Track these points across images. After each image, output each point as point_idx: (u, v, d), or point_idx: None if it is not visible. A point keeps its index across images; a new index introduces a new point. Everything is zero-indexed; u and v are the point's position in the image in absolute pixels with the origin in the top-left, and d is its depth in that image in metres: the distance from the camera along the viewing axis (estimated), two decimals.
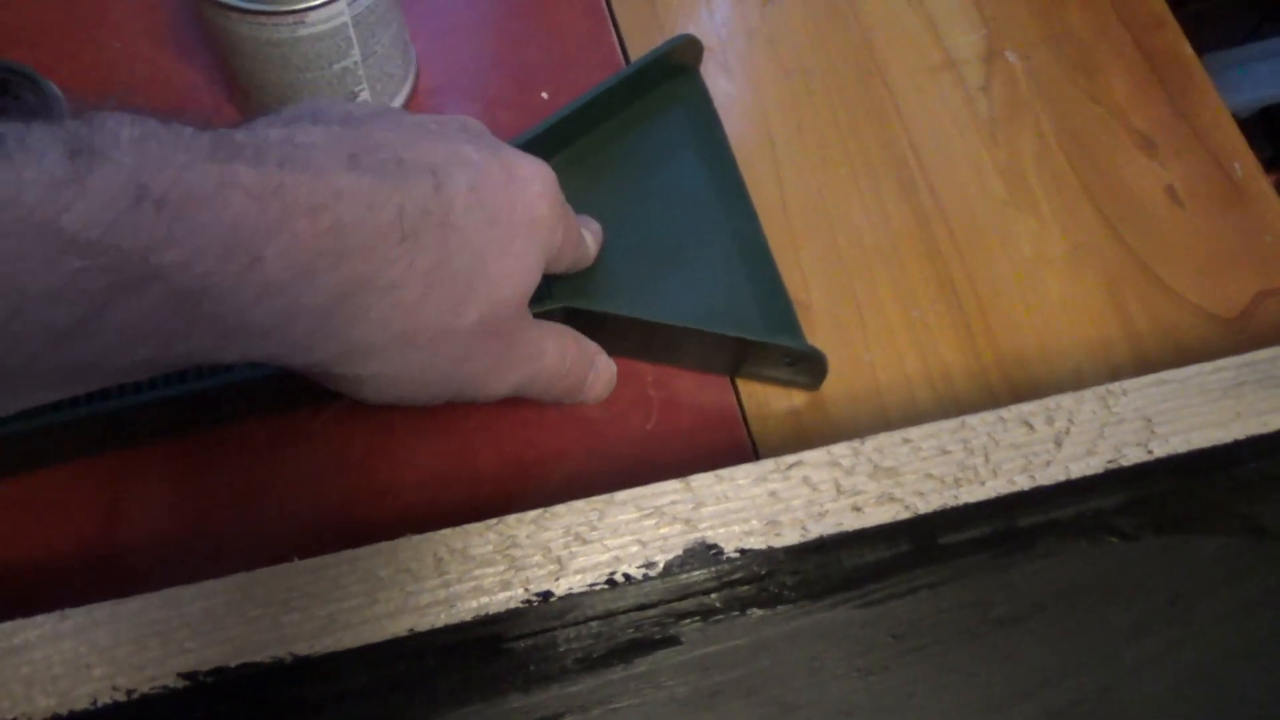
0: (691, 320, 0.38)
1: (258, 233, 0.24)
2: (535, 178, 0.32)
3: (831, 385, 0.41)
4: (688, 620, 0.33)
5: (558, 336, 0.35)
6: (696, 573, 0.32)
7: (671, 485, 0.30)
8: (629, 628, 0.33)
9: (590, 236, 0.38)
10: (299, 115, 0.29)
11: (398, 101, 0.44)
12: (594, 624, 0.33)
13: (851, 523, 0.30)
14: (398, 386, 0.30)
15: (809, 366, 0.39)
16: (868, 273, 0.44)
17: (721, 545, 0.30)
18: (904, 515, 0.30)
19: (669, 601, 0.33)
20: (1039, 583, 0.35)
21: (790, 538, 0.30)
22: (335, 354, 0.28)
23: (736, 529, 0.30)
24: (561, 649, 0.33)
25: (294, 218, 0.25)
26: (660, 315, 0.38)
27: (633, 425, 0.40)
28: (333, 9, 0.37)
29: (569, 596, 0.29)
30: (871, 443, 0.31)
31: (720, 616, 0.33)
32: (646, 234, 0.42)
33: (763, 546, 0.30)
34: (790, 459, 0.31)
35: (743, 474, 0.31)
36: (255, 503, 0.37)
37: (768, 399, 0.41)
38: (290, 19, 0.36)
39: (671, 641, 0.33)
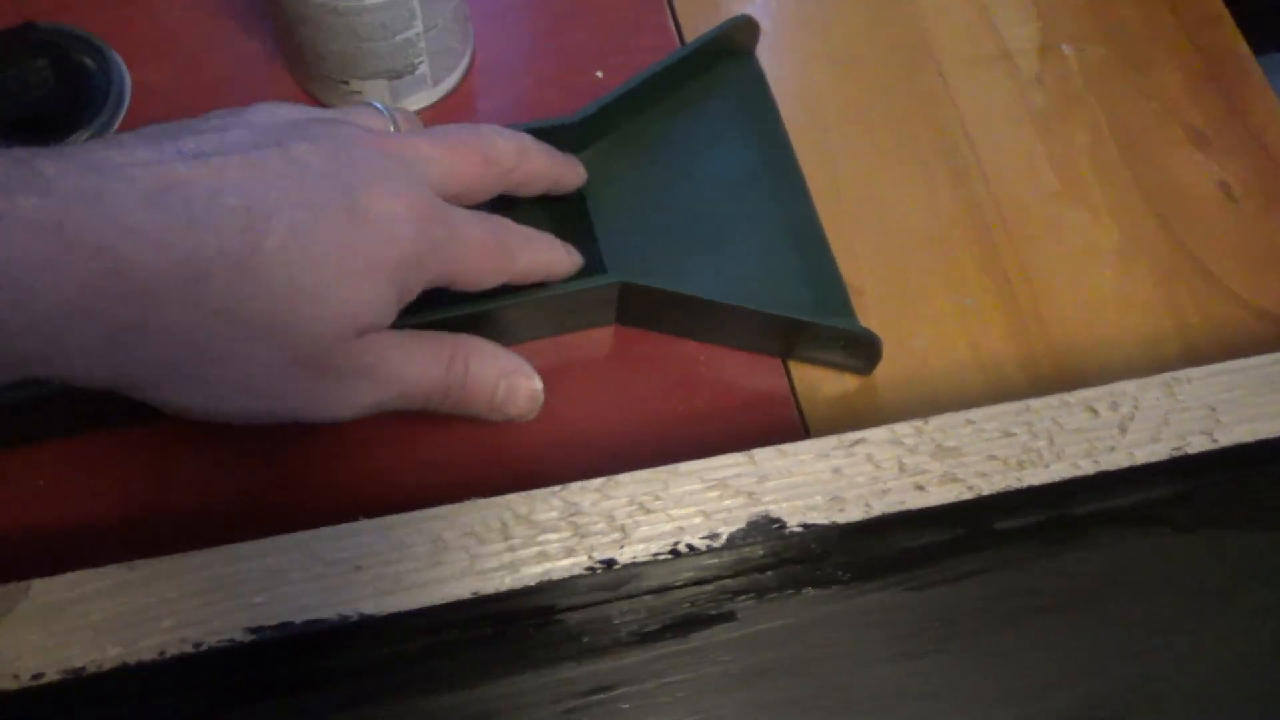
0: (747, 300, 0.38)
1: (30, 268, 0.24)
2: (393, 219, 0.30)
3: (883, 370, 0.40)
4: (742, 597, 0.33)
5: (426, 357, 0.33)
6: (752, 549, 0.32)
7: (735, 458, 0.30)
8: (684, 602, 0.33)
9: (541, 248, 0.37)
10: (158, 135, 0.28)
11: (454, 77, 0.44)
12: (648, 598, 0.33)
13: (914, 501, 0.30)
14: (205, 413, 0.30)
15: (863, 350, 0.39)
16: (920, 260, 0.44)
17: (785, 519, 0.30)
18: (966, 496, 0.30)
19: (724, 578, 0.33)
20: (1088, 571, 0.35)
21: (853, 514, 0.30)
22: (119, 383, 0.28)
23: (799, 503, 0.30)
24: (615, 621, 0.33)
25: (72, 255, 0.25)
26: (716, 294, 0.38)
27: (683, 403, 0.40)
28: None
29: (630, 566, 0.29)
30: (935, 422, 0.31)
31: (774, 595, 0.33)
32: (701, 215, 0.42)
33: (826, 521, 0.30)
34: (853, 436, 0.31)
35: (806, 449, 0.31)
36: (300, 470, 0.37)
37: (819, 382, 0.41)
38: None
39: (727, 617, 0.33)
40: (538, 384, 0.36)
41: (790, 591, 0.34)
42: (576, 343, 0.41)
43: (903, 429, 0.31)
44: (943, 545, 0.35)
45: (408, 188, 0.31)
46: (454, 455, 0.38)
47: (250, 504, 0.36)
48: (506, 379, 0.36)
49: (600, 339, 0.41)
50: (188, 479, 0.37)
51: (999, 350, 0.42)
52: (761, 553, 0.33)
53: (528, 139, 0.37)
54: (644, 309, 0.40)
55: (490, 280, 0.35)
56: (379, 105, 0.36)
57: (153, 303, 0.26)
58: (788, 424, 0.40)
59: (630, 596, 0.33)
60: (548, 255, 0.37)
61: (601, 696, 0.32)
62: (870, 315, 0.42)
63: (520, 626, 0.32)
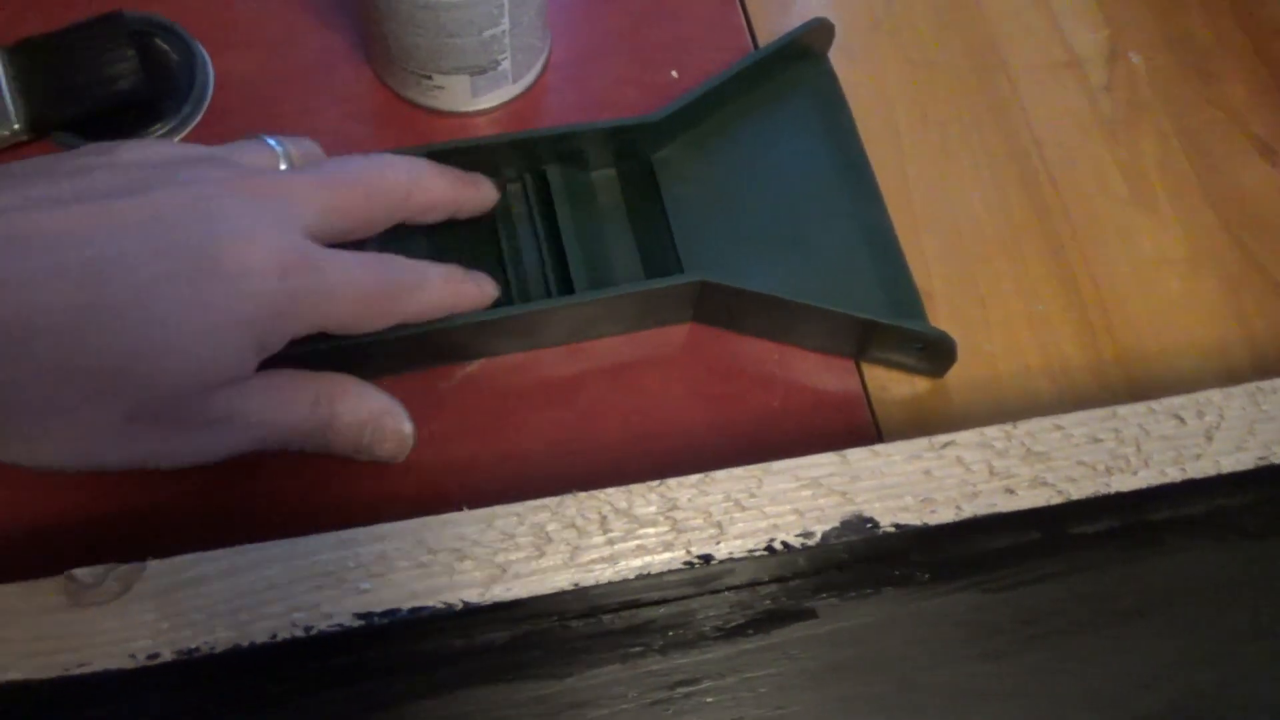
0: (821, 300, 0.39)
1: None
2: (251, 272, 0.29)
3: (953, 373, 0.41)
4: (823, 595, 0.34)
5: (287, 401, 0.33)
6: (835, 549, 0.32)
7: (828, 457, 0.31)
8: (765, 599, 0.34)
9: (437, 287, 0.35)
10: (25, 174, 0.28)
11: (533, 74, 0.45)
12: (730, 594, 0.34)
13: (1005, 504, 0.30)
14: (29, 466, 0.29)
15: (938, 352, 0.39)
16: (989, 264, 0.44)
17: (878, 519, 0.30)
18: (1056, 500, 0.30)
19: (804, 575, 0.34)
20: (1165, 578, 0.35)
21: (944, 515, 0.30)
22: None
23: (891, 504, 0.30)
24: (700, 616, 0.33)
25: None
26: (791, 294, 0.39)
27: (757, 403, 0.40)
28: None
29: (726, 561, 0.29)
30: (1024, 427, 0.32)
31: (854, 593, 0.34)
32: (775, 214, 0.42)
33: (918, 523, 0.30)
34: (943, 438, 0.31)
35: (897, 450, 0.31)
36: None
37: (890, 384, 0.41)
38: None
39: (808, 614, 0.34)
40: (406, 427, 0.35)
41: (870, 590, 0.34)
42: (652, 339, 0.41)
43: (992, 432, 0.31)
44: (1020, 548, 0.35)
45: (273, 236, 0.30)
46: (536, 446, 0.38)
47: (330, 490, 0.37)
48: (374, 421, 0.35)
49: (675, 336, 0.41)
50: (272, 465, 0.37)
51: (1068, 355, 0.42)
52: (842, 551, 0.34)
53: (423, 165, 0.36)
54: (720, 307, 0.40)
55: (374, 325, 0.34)
56: (271, 141, 0.35)
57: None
58: (861, 425, 0.40)
59: (713, 592, 0.34)
60: (447, 293, 0.35)
61: (687, 690, 0.32)
62: (941, 318, 0.42)
63: (607, 618, 0.32)
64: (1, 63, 0.42)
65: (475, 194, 0.38)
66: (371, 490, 0.37)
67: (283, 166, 0.35)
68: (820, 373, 0.41)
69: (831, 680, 0.33)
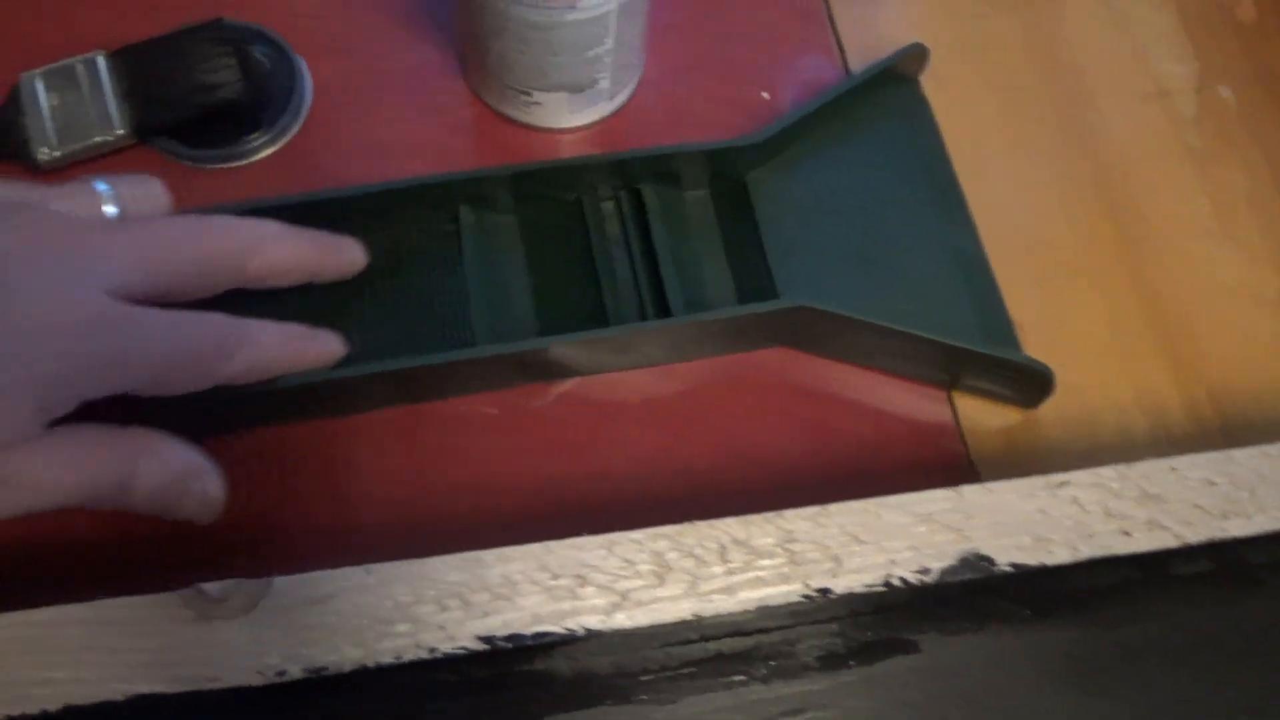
0: (914, 326, 0.39)
1: None
2: (39, 331, 0.28)
3: (1044, 406, 0.41)
4: (925, 628, 0.34)
5: (77, 461, 0.31)
6: (945, 582, 0.32)
7: (943, 493, 0.31)
8: (868, 630, 0.34)
9: (268, 348, 0.34)
10: None
11: (628, 91, 0.45)
12: (834, 624, 0.34)
13: (1120, 546, 0.30)
14: None
15: (1034, 383, 0.39)
16: (1078, 295, 0.44)
17: (994, 558, 0.30)
18: (1172, 544, 0.30)
19: (907, 608, 0.34)
20: (1266, 620, 0.35)
21: (1061, 556, 0.30)
22: None
23: (1007, 542, 0.30)
24: (802, 645, 0.33)
25: None
26: (886, 320, 0.39)
27: (848, 429, 0.40)
28: None
29: (845, 596, 0.29)
30: (1139, 468, 0.32)
31: (954, 627, 0.34)
32: (867, 239, 0.42)
33: (1034, 562, 0.30)
34: (1059, 478, 0.31)
35: (1012, 489, 0.31)
36: (476, 473, 0.38)
37: (981, 414, 0.41)
38: (563, 3, 0.37)
39: (909, 647, 0.34)
40: (210, 488, 0.33)
41: (971, 624, 0.34)
42: (742, 361, 0.41)
43: (1107, 473, 0.31)
44: (1120, 585, 0.35)
45: (68, 293, 0.29)
46: (628, 466, 0.39)
47: (425, 503, 0.37)
48: (177, 483, 0.33)
49: (766, 359, 0.41)
50: (364, 479, 0.38)
51: (1160, 391, 0.42)
52: (945, 586, 0.34)
53: (271, 229, 0.35)
54: (814, 333, 0.40)
55: (188, 385, 0.32)
56: (99, 185, 0.34)
57: None
58: (953, 455, 0.40)
59: (815, 622, 0.33)
60: (279, 354, 0.34)
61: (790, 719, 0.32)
62: (1031, 348, 0.42)
63: (711, 645, 0.33)
64: (106, 68, 0.42)
65: (336, 260, 0.37)
66: (461, 506, 0.37)
67: (111, 209, 0.34)
68: (912, 400, 0.41)
69: (933, 714, 0.33)
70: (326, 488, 0.37)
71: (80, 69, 0.42)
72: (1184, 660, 0.34)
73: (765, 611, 0.29)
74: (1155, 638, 0.35)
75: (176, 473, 0.32)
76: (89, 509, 0.32)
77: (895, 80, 0.46)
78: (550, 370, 0.40)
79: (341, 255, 0.37)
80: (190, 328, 0.32)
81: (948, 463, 0.40)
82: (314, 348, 0.35)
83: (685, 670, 0.32)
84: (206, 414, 0.36)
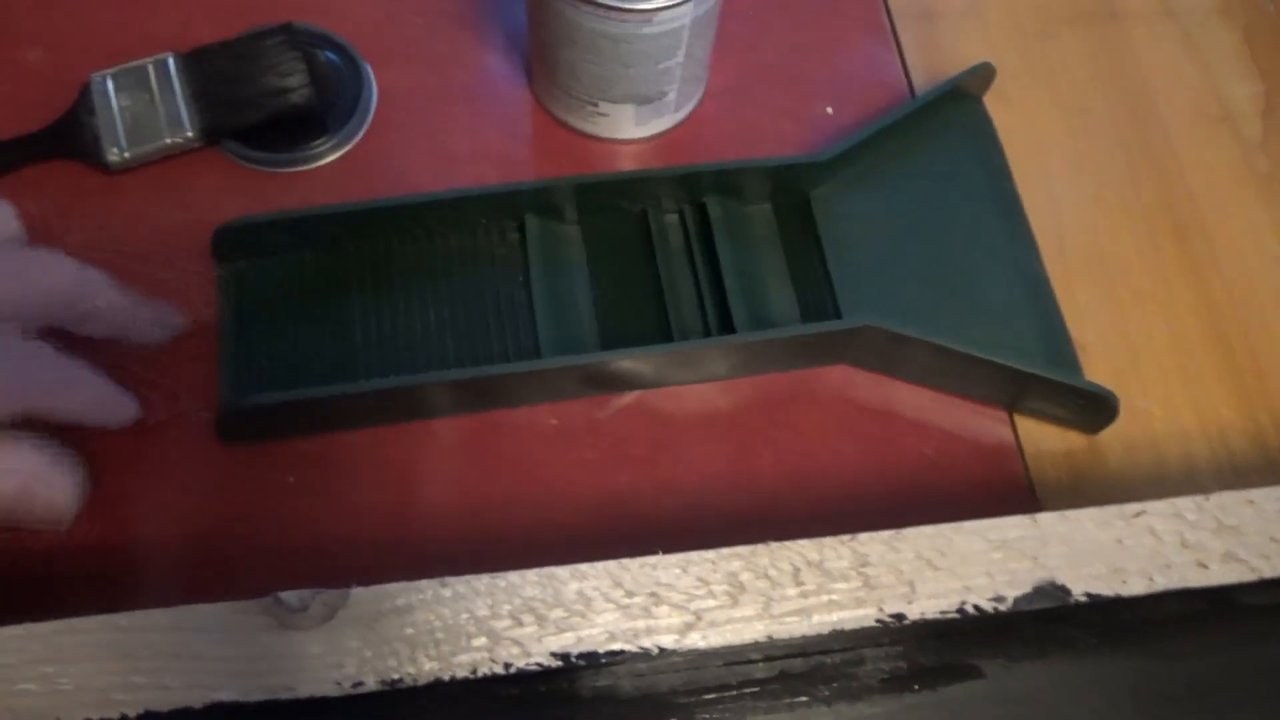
0: (976, 348, 0.38)
1: None
2: None
3: (1107, 430, 0.40)
4: (990, 653, 0.33)
5: None
6: (1019, 610, 0.32)
7: (1017, 520, 0.31)
8: (932, 653, 0.33)
9: (75, 398, 0.34)
10: None
11: (693, 103, 0.45)
12: (898, 646, 0.33)
13: (1196, 579, 0.30)
14: None
15: (1098, 408, 0.39)
16: (1143, 318, 0.43)
17: (1070, 587, 0.30)
18: (1249, 577, 0.30)
19: (973, 633, 0.33)
20: None
21: (1136, 586, 0.30)
22: None
23: (1083, 571, 0.30)
24: (866, 668, 0.33)
25: None
26: (950, 341, 0.38)
27: (911, 449, 0.40)
28: (679, 10, 0.37)
29: (919, 621, 0.29)
30: (1215, 499, 0.31)
31: (1020, 654, 0.34)
32: (930, 258, 0.42)
33: (1110, 593, 0.30)
34: (1135, 507, 0.31)
35: (1088, 516, 0.31)
36: (539, 484, 0.38)
37: (1043, 437, 0.41)
38: (639, 16, 0.37)
39: (974, 673, 0.33)
40: (59, 494, 0.33)
41: (1037, 651, 0.34)
42: (805, 378, 0.41)
43: (1184, 504, 0.31)
44: (1189, 617, 0.35)
45: None
46: (692, 479, 0.38)
47: (485, 515, 0.37)
48: (22, 490, 0.32)
49: (828, 376, 0.41)
50: (427, 488, 0.38)
51: (1224, 418, 0.42)
52: (1009, 613, 0.33)
53: (96, 277, 0.34)
54: (876, 352, 0.40)
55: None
56: None
57: None
58: (1014, 478, 0.40)
59: (878, 644, 0.33)
60: (80, 405, 0.34)
61: None
62: (1095, 372, 0.42)
63: (777, 665, 0.32)
64: (176, 69, 0.42)
65: (150, 328, 0.37)
66: (525, 519, 0.37)
67: None
68: (973, 421, 0.41)
69: None
70: (391, 495, 0.37)
71: (151, 70, 0.42)
72: (1255, 693, 0.34)
73: (838, 635, 0.29)
74: (1223, 669, 0.35)
75: (22, 479, 0.32)
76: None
77: (960, 99, 0.45)
78: (612, 383, 0.40)
79: (152, 329, 0.37)
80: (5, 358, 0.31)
81: (1007, 485, 0.40)
82: (107, 408, 0.34)
83: (748, 690, 0.32)
84: (271, 418, 0.37)
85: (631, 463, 0.39)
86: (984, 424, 0.41)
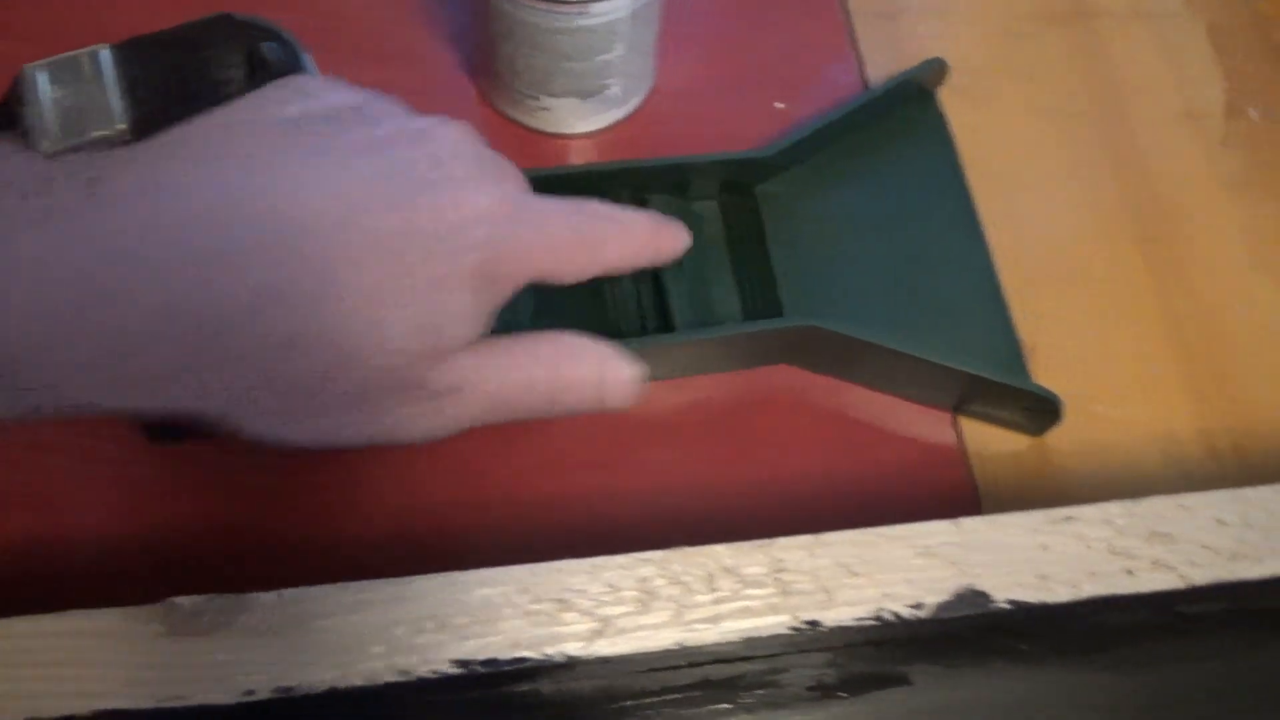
0: (922, 350, 0.38)
1: (85, 305, 0.23)
2: (475, 220, 0.28)
3: (1056, 433, 0.40)
4: (922, 662, 0.33)
5: (518, 364, 0.31)
6: (941, 617, 0.31)
7: (942, 525, 0.30)
8: (861, 661, 0.33)
9: (637, 233, 0.33)
10: (231, 132, 0.27)
11: (639, 98, 0.44)
12: (826, 654, 0.33)
13: (1124, 586, 0.29)
14: (274, 442, 0.28)
15: (1041, 412, 0.38)
16: (1100, 321, 0.43)
17: (992, 594, 0.29)
18: (1178, 585, 0.29)
19: (904, 641, 0.33)
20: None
21: (1060, 594, 0.29)
22: (178, 411, 0.26)
23: (1007, 578, 0.29)
24: (792, 675, 0.32)
25: (143, 287, 0.23)
26: (893, 342, 0.37)
27: (855, 451, 0.40)
28: (616, 3, 0.36)
29: (835, 629, 0.28)
30: (1147, 505, 0.30)
31: (952, 663, 0.33)
32: (879, 257, 0.41)
33: (1033, 600, 0.29)
34: (1063, 512, 0.30)
35: (1015, 522, 0.30)
36: (476, 488, 0.37)
37: (989, 439, 0.40)
38: (574, 8, 0.36)
39: (901, 680, 0.33)
40: (633, 370, 0.32)
41: (969, 661, 0.33)
42: (751, 379, 0.40)
43: (1114, 509, 0.30)
44: (1130, 627, 0.34)
45: (486, 182, 0.29)
46: (638, 484, 0.38)
47: (432, 519, 0.37)
48: (601, 374, 0.32)
49: (774, 377, 0.41)
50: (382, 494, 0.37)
51: (1177, 423, 0.41)
52: (943, 619, 0.32)
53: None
54: (821, 352, 0.39)
55: (580, 275, 0.32)
56: None
57: (225, 333, 0.25)
58: (959, 481, 0.39)
59: (805, 651, 0.33)
60: (646, 241, 0.33)
61: None
62: (1047, 374, 0.41)
63: (699, 671, 0.32)
64: (111, 61, 0.41)
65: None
66: (466, 522, 0.36)
67: None
68: (918, 423, 0.40)
69: None
70: (328, 496, 0.36)
71: (85, 61, 0.41)
72: (1205, 707, 0.33)
73: (751, 642, 0.28)
74: (1166, 680, 0.34)
75: (599, 364, 0.32)
76: (517, 417, 0.31)
77: (913, 96, 0.45)
78: None
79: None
80: (582, 212, 0.31)
81: (953, 488, 0.39)
82: (670, 239, 0.34)
83: (670, 697, 0.32)
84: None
85: (575, 467, 0.38)
86: (929, 426, 0.40)
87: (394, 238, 0.26)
